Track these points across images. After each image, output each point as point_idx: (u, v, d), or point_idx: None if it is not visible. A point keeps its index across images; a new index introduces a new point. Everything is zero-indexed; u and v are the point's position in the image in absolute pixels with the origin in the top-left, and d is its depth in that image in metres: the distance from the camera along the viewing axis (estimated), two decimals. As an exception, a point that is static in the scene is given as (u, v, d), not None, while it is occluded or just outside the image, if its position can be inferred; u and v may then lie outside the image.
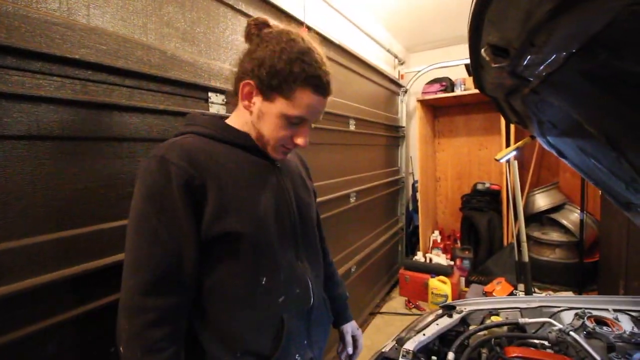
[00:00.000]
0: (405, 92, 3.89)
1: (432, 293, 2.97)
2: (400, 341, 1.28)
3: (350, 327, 1.10)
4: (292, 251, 0.83)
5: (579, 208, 3.11)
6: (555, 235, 3.14)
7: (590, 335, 1.11)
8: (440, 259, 3.47)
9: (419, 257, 3.54)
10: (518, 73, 0.76)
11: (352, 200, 2.48)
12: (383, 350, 1.30)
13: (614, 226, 2.64)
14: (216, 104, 1.28)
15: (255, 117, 0.78)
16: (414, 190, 4.00)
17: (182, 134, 0.79)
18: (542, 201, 3.33)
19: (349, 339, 1.07)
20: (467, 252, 3.46)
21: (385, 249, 3.33)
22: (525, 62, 0.66)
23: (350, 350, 1.06)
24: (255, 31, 0.77)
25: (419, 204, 3.71)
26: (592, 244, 3.08)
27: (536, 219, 3.38)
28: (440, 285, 2.91)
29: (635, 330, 1.12)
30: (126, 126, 0.99)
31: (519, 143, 1.89)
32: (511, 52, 0.68)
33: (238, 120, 0.83)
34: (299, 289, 0.82)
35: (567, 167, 3.47)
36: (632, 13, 0.47)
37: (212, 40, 1.30)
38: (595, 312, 1.23)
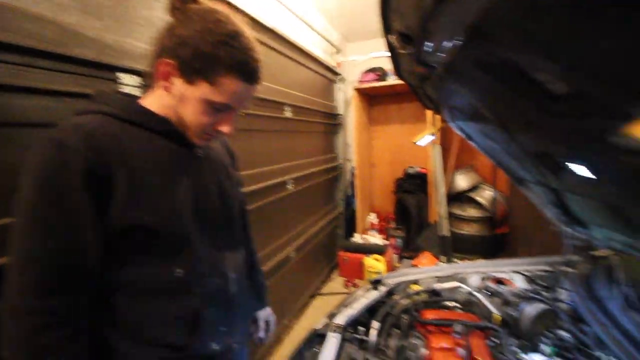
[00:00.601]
0: (342, 80, 3.98)
1: (368, 271, 3.16)
2: (331, 317, 1.35)
3: (264, 314, 1.13)
4: (212, 242, 0.80)
5: (492, 187, 3.53)
6: (472, 212, 3.52)
7: (491, 294, 1.29)
8: (376, 239, 3.69)
9: (357, 238, 3.72)
10: (422, 60, 0.82)
11: (290, 187, 2.49)
12: (316, 327, 1.36)
13: (519, 201, 3.05)
14: (128, 86, 1.18)
15: (175, 100, 0.72)
16: (352, 176, 4.15)
17: (87, 112, 0.70)
18: (462, 182, 3.69)
19: (261, 324, 1.10)
20: (399, 232, 3.73)
21: (325, 234, 3.43)
22: (425, 49, 0.71)
23: (262, 334, 1.09)
24: (179, 5, 0.70)
25: (356, 189, 3.88)
26: (503, 218, 3.53)
27: (457, 198, 3.75)
28: (375, 264, 3.11)
29: (527, 286, 1.33)
30: (12, 109, 0.87)
31: (432, 128, 2.06)
32: (414, 39, 0.73)
33: (156, 102, 0.76)
34: (218, 280, 0.81)
35: (483, 151, 3.89)
36: (503, 2, 0.53)
37: (123, 16, 1.18)
38: (496, 275, 1.42)
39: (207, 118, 0.73)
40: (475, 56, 0.70)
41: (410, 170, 4.06)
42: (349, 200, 4.18)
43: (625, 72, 0.45)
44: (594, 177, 0.76)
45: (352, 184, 4.16)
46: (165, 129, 0.75)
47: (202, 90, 0.69)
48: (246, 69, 0.70)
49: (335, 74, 3.79)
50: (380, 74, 3.84)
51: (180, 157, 0.76)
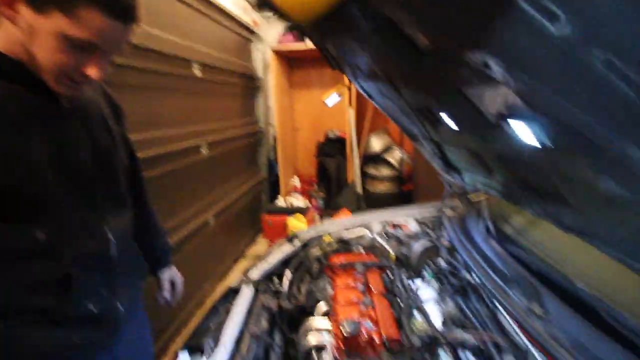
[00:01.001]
0: (260, 40, 3.79)
1: (291, 231, 3.28)
2: (246, 272, 1.39)
3: (167, 273, 1.10)
4: (87, 204, 0.75)
5: (401, 148, 3.87)
6: (385, 172, 3.85)
7: (389, 237, 1.47)
8: (299, 201, 3.81)
9: (281, 202, 3.79)
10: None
11: (204, 151, 2.38)
12: (231, 285, 1.39)
13: (421, 161, 3.42)
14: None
15: (25, 34, 0.60)
16: (275, 141, 4.13)
17: None
18: (376, 144, 3.96)
19: (164, 284, 1.07)
20: (321, 193, 3.90)
21: (247, 199, 3.41)
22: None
23: (166, 294, 1.07)
24: None
25: (278, 153, 3.88)
26: (408, 176, 3.93)
27: (372, 159, 4.04)
28: (297, 224, 3.23)
29: (418, 229, 1.54)
30: None
31: (340, 87, 2.15)
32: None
33: (1, 38, 0.63)
34: (93, 242, 0.76)
35: (395, 115, 4.19)
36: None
37: None
38: (394, 221, 1.62)
39: (66, 58, 0.62)
40: (365, 15, 0.74)
41: (331, 135, 4.19)
42: (272, 165, 4.18)
43: (462, 25, 0.52)
44: (457, 128, 0.90)
45: (274, 148, 4.15)
46: (13, 72, 0.63)
47: (55, 22, 0.59)
48: (113, 3, 0.61)
49: (252, 32, 3.60)
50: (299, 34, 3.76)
51: (37, 108, 0.67)
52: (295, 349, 1.21)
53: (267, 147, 4.09)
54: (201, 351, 0.97)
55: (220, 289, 2.55)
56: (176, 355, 0.93)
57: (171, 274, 1.13)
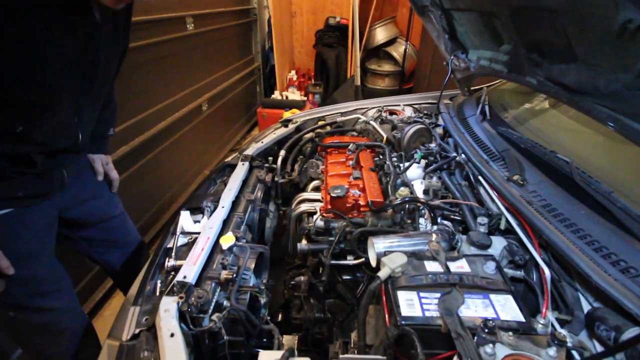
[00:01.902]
0: None
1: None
2: (241, 150, 1.42)
3: (99, 158, 1.09)
4: (72, 108, 0.79)
5: (406, 40, 3.56)
6: (387, 67, 3.63)
7: (382, 122, 1.46)
8: (295, 95, 3.69)
9: (276, 95, 3.67)
10: None
11: (190, 27, 2.17)
12: (227, 161, 1.44)
13: (426, 53, 3.19)
14: None
15: None
16: (270, 27, 3.75)
17: None
18: (380, 35, 3.64)
19: (97, 167, 1.08)
20: (318, 88, 3.74)
21: (242, 88, 3.28)
22: None
23: (100, 178, 1.09)
24: None
25: (274, 40, 3.57)
26: (411, 73, 3.73)
27: (375, 53, 3.77)
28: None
29: (413, 114, 1.52)
30: None
31: None
32: None
33: None
34: (66, 142, 0.82)
35: (405, 2, 3.73)
36: None
37: None
38: (390, 107, 1.59)
39: None
40: None
41: (331, 21, 3.80)
42: (268, 55, 3.89)
43: None
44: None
45: (270, 35, 3.80)
46: None
47: None
48: None
49: None
50: None
51: (69, 17, 0.68)
52: (287, 219, 1.33)
53: (261, 34, 3.74)
54: (201, 211, 1.05)
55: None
56: (178, 213, 1.00)
57: (103, 160, 1.11)
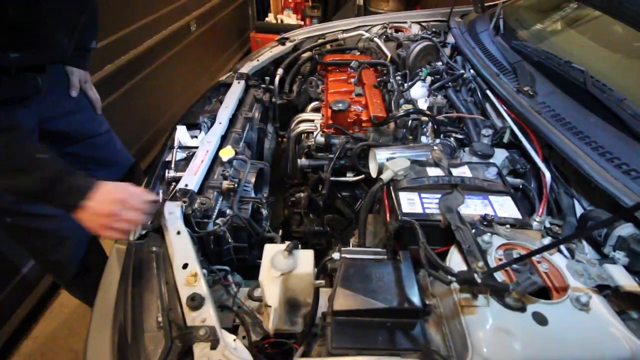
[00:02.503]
0: None
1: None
2: (235, 69, 1.34)
3: (77, 72, 1.01)
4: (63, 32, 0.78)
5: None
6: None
7: (387, 39, 1.36)
8: (291, 19, 3.41)
9: (270, 19, 3.39)
10: None
11: None
12: (220, 79, 1.36)
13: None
14: None
15: None
16: None
17: None
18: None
19: (73, 80, 1.00)
20: (315, 11, 3.44)
21: (232, 8, 3.02)
22: None
23: (72, 92, 1.01)
24: None
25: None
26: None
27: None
28: (289, 44, 2.99)
29: (419, 32, 1.41)
30: None
31: None
32: None
33: None
34: (52, 53, 0.81)
35: None
36: None
37: None
38: (396, 24, 1.47)
39: None
40: None
41: None
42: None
43: None
44: None
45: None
46: None
47: None
48: None
49: None
50: None
51: None
52: (284, 144, 1.31)
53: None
54: (198, 127, 1.02)
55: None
56: (174, 129, 0.98)
57: (82, 77, 1.03)
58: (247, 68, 1.30)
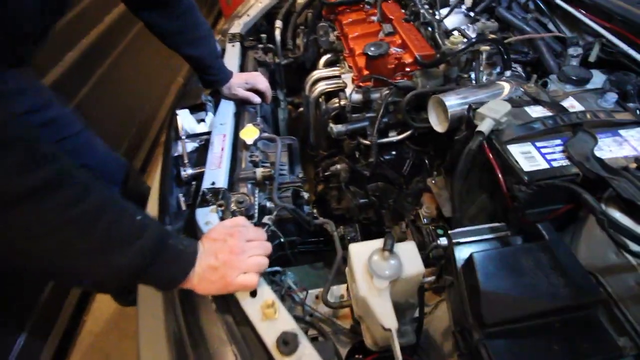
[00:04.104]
0: None
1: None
2: (224, 31, 1.12)
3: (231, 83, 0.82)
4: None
5: None
6: None
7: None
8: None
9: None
10: None
11: None
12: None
13: None
14: None
15: None
16: None
17: None
18: None
19: (243, 94, 0.82)
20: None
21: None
22: None
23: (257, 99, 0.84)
24: None
25: None
26: None
27: None
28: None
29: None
30: None
31: None
32: None
33: None
34: None
35: None
36: None
37: None
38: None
39: None
40: None
41: None
42: None
43: None
44: None
45: None
46: None
47: None
48: None
49: None
50: None
51: None
52: (295, 112, 1.13)
53: None
54: (202, 108, 0.84)
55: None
56: (174, 115, 0.79)
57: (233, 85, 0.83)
58: (237, 27, 1.09)
